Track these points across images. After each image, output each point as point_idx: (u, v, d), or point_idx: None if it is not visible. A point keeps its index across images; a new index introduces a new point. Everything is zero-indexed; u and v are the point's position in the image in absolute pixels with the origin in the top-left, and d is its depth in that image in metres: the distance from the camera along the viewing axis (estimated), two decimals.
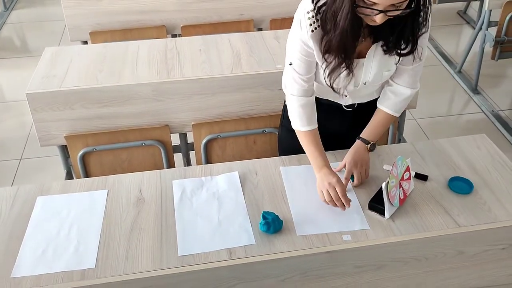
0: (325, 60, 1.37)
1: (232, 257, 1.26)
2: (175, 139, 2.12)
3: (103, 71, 2.01)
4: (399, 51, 1.35)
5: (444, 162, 1.57)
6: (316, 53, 1.37)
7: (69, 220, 1.38)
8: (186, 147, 2.16)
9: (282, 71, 1.55)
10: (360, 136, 1.53)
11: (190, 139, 2.11)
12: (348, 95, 1.53)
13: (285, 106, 1.70)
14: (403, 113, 2.26)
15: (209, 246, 1.29)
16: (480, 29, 3.26)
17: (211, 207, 1.42)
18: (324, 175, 1.43)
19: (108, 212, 1.40)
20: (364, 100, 1.56)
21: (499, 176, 1.52)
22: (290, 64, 1.44)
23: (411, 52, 1.36)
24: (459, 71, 3.60)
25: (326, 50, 1.35)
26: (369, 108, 1.56)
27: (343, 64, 1.35)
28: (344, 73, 1.39)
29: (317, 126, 1.51)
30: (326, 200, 1.40)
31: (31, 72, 2.00)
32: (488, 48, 3.16)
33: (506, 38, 3.04)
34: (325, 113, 1.55)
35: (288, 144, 1.73)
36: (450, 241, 1.33)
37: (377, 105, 1.55)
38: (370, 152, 1.52)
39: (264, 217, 1.33)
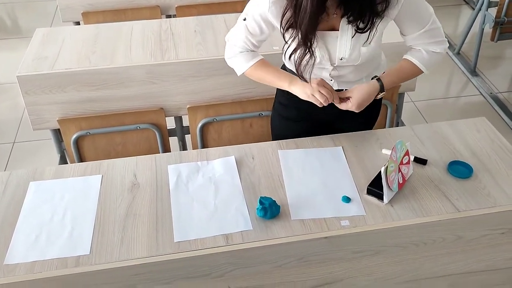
0: (285, 40, 1.36)
1: (228, 243, 1.25)
2: (170, 123, 2.09)
3: (95, 52, 1.96)
4: (357, 25, 1.32)
5: (443, 146, 1.55)
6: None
7: (63, 205, 1.36)
8: (181, 131, 2.13)
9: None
10: (379, 77, 1.46)
11: (186, 122, 2.08)
12: (333, 79, 1.49)
13: (277, 89, 1.67)
14: (401, 96, 2.23)
15: (206, 231, 1.28)
16: (480, 9, 3.21)
17: (207, 192, 1.39)
18: (301, 85, 1.42)
19: (103, 198, 1.38)
20: (351, 85, 1.50)
21: (498, 160, 1.50)
22: (244, 20, 1.44)
23: (366, 27, 1.32)
24: (458, 53, 3.57)
25: (287, 27, 1.32)
26: None
27: (304, 44, 1.32)
28: (307, 56, 1.36)
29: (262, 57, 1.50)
30: (322, 102, 1.39)
31: (23, 54, 1.95)
32: (488, 29, 3.12)
33: (506, 19, 2.99)
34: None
35: (278, 130, 1.71)
36: (449, 226, 1.32)
37: (404, 57, 1.50)
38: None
39: (261, 202, 1.31)
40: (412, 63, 1.47)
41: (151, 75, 1.91)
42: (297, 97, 1.48)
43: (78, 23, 2.77)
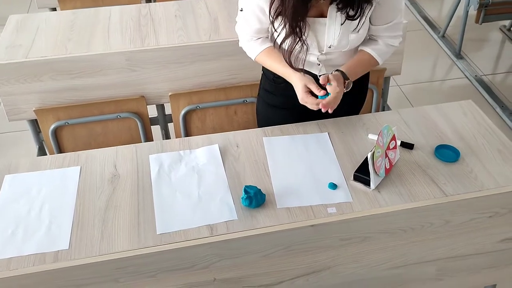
0: (275, 28, 1.33)
1: (213, 234, 1.21)
2: (152, 111, 2.03)
3: (72, 39, 1.89)
4: (347, 13, 1.29)
5: (430, 130, 1.53)
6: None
7: (40, 199, 1.31)
8: (164, 119, 2.08)
9: None
10: (338, 69, 1.42)
11: (168, 110, 2.03)
12: (321, 63, 1.46)
13: (262, 75, 1.63)
14: (387, 80, 2.21)
15: (189, 222, 1.24)
16: None
17: (190, 182, 1.35)
18: (295, 83, 1.40)
19: (81, 190, 1.33)
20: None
21: (485, 143, 1.48)
22: (241, 10, 1.41)
23: (356, 15, 1.30)
24: (443, 36, 3.55)
25: (276, 14, 1.29)
26: None
27: (295, 32, 1.29)
28: (297, 46, 1.33)
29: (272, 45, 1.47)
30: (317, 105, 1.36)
31: None
32: (472, 11, 3.10)
33: (490, 1, 2.97)
34: None
35: (264, 118, 1.67)
36: (437, 211, 1.30)
37: (359, 48, 1.48)
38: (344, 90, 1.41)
39: (246, 191, 1.27)
40: (371, 55, 1.47)
41: (131, 62, 1.85)
42: (283, 83, 1.44)
43: (54, 9, 2.68)
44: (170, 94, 1.91)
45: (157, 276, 1.21)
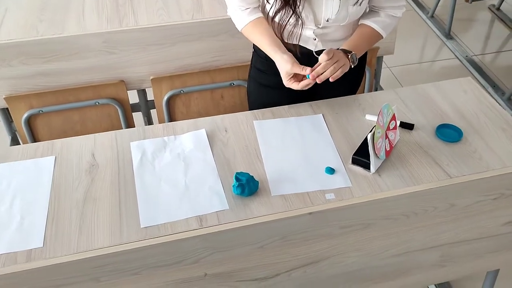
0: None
1: (203, 225, 1.11)
2: (133, 97, 1.91)
3: (44, 20, 1.76)
4: None
5: (429, 109, 1.45)
6: None
7: (10, 192, 1.19)
8: (146, 105, 1.96)
9: None
10: (340, 47, 1.33)
11: (150, 96, 1.91)
12: (317, 38, 1.36)
13: (254, 53, 1.53)
14: (380, 60, 2.12)
15: (176, 214, 1.13)
16: None
17: (176, 170, 1.25)
18: (279, 64, 1.29)
19: (57, 182, 1.21)
20: (336, 44, 1.38)
21: (488, 121, 1.40)
22: None
23: None
24: (432, 16, 3.47)
25: None
26: None
27: (289, 4, 1.19)
28: (292, 20, 1.22)
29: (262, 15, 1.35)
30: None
31: None
32: None
33: None
34: None
35: (257, 98, 1.56)
36: (441, 194, 1.22)
37: (360, 21, 1.38)
38: (351, 65, 1.30)
39: (237, 179, 1.17)
40: (373, 29, 1.36)
41: (109, 44, 1.72)
42: None
43: None
44: (151, 78, 1.79)
45: (142, 274, 1.11)
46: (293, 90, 1.31)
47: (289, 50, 1.34)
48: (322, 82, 1.26)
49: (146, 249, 1.08)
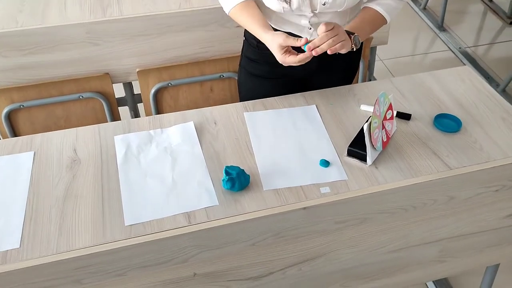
0: None
1: (191, 222, 1.05)
2: (119, 91, 1.84)
3: (23, 11, 1.68)
4: None
5: (427, 99, 1.39)
6: None
7: None
8: (132, 99, 1.89)
9: None
10: (356, 34, 1.22)
11: (137, 89, 1.84)
12: (312, 27, 1.30)
13: (245, 42, 1.46)
14: (373, 50, 2.06)
15: (163, 211, 1.07)
16: None
17: (163, 164, 1.18)
18: (269, 42, 1.18)
19: (35, 178, 1.14)
20: None
21: (487, 111, 1.35)
22: None
23: None
24: (424, 8, 3.43)
25: None
26: None
27: None
28: (284, 4, 1.15)
29: None
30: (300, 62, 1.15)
31: None
32: None
33: None
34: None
35: (248, 89, 1.50)
36: (441, 186, 1.17)
37: (364, 5, 1.30)
38: (353, 48, 1.19)
39: (227, 173, 1.11)
40: (377, 12, 1.29)
41: (92, 35, 1.65)
42: (268, 49, 1.27)
43: None
44: (137, 70, 1.72)
45: (128, 275, 1.05)
46: (286, 80, 1.25)
47: None
48: (319, 68, 1.19)
49: (131, 249, 1.01)
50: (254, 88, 1.47)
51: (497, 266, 1.56)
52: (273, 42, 1.18)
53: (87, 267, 1.01)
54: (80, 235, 1.02)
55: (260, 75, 1.43)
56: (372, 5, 1.30)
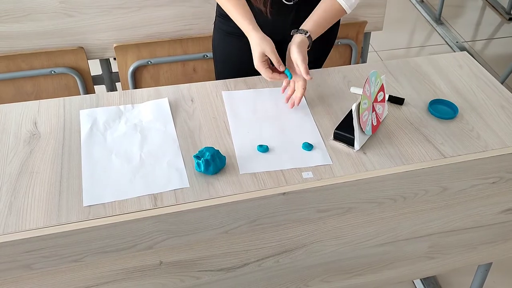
0: None
1: (157, 205, 0.95)
2: (96, 68, 1.73)
3: None
4: None
5: (422, 83, 1.30)
6: None
7: None
8: (109, 77, 1.78)
9: None
10: (299, 28, 1.19)
11: (115, 67, 1.73)
12: (292, 0, 1.20)
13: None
14: (367, 36, 1.96)
15: (127, 192, 0.97)
16: None
17: (131, 142, 1.08)
18: (253, 45, 1.17)
19: None
20: (313, 6, 1.23)
21: (485, 98, 1.26)
22: None
23: None
24: (422, 1, 3.34)
25: None
26: (316, 4, 1.23)
27: None
28: None
29: None
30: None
31: None
32: None
33: None
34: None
35: (222, 50, 1.40)
36: (434, 176, 1.08)
37: None
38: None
39: (201, 154, 1.01)
40: (338, 3, 1.21)
41: (66, 5, 1.54)
42: None
43: None
44: (115, 45, 1.61)
45: (85, 260, 0.94)
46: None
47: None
48: (289, 35, 1.19)
49: (88, 231, 0.91)
50: (229, 49, 1.38)
51: (489, 265, 1.47)
52: (259, 47, 1.16)
53: (39, 251, 0.90)
54: (32, 214, 0.92)
55: (233, 33, 1.32)
56: None
